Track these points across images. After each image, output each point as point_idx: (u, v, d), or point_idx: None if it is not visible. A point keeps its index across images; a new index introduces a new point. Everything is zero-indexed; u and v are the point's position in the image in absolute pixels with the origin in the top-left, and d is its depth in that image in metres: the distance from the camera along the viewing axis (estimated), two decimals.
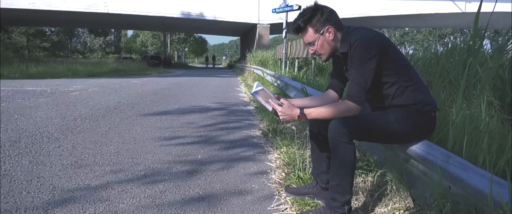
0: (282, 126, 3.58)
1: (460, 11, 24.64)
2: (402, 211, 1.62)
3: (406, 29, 56.45)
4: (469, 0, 24.62)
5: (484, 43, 2.85)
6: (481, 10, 2.36)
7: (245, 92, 8.01)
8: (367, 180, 1.97)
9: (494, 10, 2.53)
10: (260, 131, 3.59)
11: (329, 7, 1.60)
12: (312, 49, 1.64)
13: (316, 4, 1.61)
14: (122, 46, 63.53)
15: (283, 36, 9.75)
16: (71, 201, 1.75)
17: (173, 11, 23.38)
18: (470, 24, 2.59)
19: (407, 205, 1.63)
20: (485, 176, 1.16)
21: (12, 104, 4.85)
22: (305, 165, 2.21)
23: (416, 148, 1.53)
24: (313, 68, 6.86)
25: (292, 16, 2.26)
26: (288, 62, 9.72)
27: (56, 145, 2.79)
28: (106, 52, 57.47)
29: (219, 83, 10.97)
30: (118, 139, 3.09)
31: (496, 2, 2.98)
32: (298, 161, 2.27)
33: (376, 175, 1.89)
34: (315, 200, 1.83)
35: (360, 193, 1.88)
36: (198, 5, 23.62)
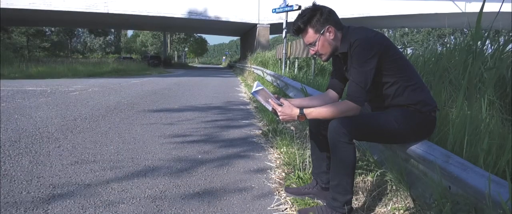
0: (282, 125, 3.59)
1: (460, 11, 24.63)
2: (402, 211, 1.62)
3: (406, 29, 56.47)
4: (469, 0, 24.62)
5: (485, 43, 2.83)
6: (482, 10, 2.36)
7: (245, 92, 8.01)
8: (367, 180, 1.97)
9: (494, 10, 2.53)
10: (260, 131, 3.59)
11: (327, 7, 1.60)
12: (313, 50, 1.64)
13: (314, 4, 1.61)
14: (122, 46, 63.55)
15: (283, 36, 9.75)
16: (71, 201, 1.75)
17: (173, 11, 23.42)
18: (470, 24, 2.59)
19: (407, 205, 1.63)
20: (485, 176, 1.16)
21: (12, 104, 4.85)
22: (305, 165, 2.21)
23: (416, 148, 1.53)
24: (313, 68, 6.86)
25: (292, 16, 2.26)
26: (288, 62, 9.72)
27: (56, 145, 2.79)
28: (106, 52, 57.51)
29: (219, 83, 10.97)
30: (118, 138, 3.09)
31: (502, 2, 2.95)
32: (298, 161, 2.27)
33: (376, 175, 1.89)
34: (315, 200, 1.83)
35: (360, 193, 1.88)
36: (198, 5, 23.66)
